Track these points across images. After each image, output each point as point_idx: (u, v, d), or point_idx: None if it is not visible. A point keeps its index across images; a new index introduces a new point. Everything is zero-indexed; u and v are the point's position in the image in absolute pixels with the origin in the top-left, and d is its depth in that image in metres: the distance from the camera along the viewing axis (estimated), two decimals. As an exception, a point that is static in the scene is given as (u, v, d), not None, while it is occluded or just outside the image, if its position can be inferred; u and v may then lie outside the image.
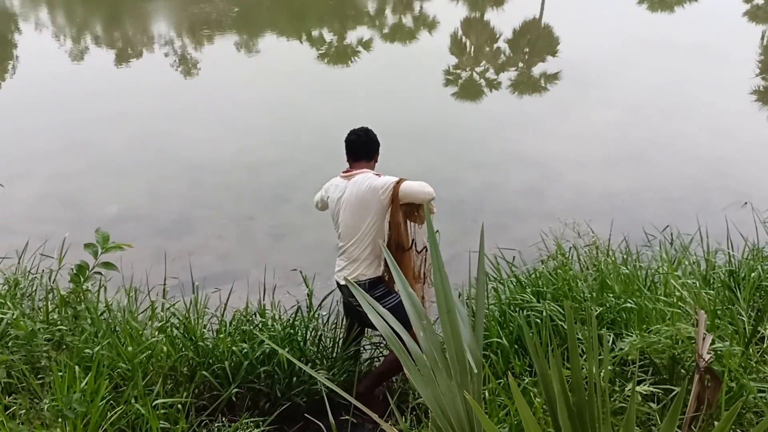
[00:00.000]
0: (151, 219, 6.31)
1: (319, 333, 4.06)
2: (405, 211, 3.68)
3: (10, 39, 13.00)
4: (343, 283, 3.70)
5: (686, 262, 4.49)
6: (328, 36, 14.03)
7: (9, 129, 8.54)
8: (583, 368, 3.17)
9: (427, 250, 3.80)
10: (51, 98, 9.66)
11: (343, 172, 3.78)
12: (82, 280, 2.69)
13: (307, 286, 4.26)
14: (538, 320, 3.64)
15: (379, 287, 3.70)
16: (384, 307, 3.47)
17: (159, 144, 8.21)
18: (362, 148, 3.77)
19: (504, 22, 14.66)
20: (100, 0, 15.94)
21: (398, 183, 3.55)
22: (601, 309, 3.74)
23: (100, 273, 2.79)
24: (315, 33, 14.19)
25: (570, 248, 4.74)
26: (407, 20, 15.41)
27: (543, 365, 1.80)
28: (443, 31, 14.22)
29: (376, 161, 3.84)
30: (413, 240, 3.77)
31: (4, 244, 4.85)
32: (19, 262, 4.38)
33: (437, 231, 4.28)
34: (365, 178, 3.62)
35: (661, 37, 13.70)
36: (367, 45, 13.48)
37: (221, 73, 11.40)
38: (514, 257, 4.89)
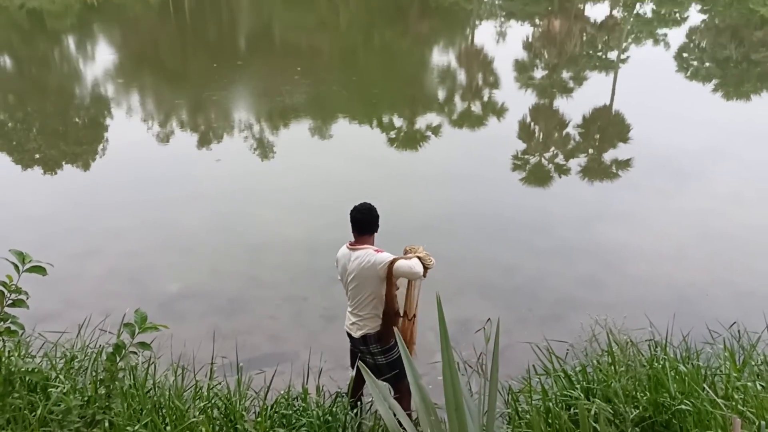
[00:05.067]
0: (209, 297, 6.49)
1: (359, 421, 4.00)
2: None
3: (102, 122, 14.07)
4: (356, 336, 4.36)
5: (753, 363, 4.20)
6: (398, 122, 14.43)
7: (90, 207, 9.09)
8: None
9: (416, 317, 4.42)
10: (134, 179, 10.25)
11: (350, 244, 4.37)
12: (117, 359, 2.78)
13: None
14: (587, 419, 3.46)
15: (383, 340, 4.31)
16: (386, 360, 4.27)
17: (227, 224, 8.53)
18: (367, 225, 4.36)
19: (573, 108, 14.65)
20: (188, 88, 17.12)
21: (393, 262, 4.15)
22: (654, 410, 3.53)
23: (135, 352, 2.88)
24: (386, 119, 14.62)
25: (626, 342, 4.54)
26: (476, 107, 15.69)
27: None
28: (511, 117, 14.34)
29: (376, 232, 4.43)
30: (405, 310, 4.35)
31: (68, 318, 5.09)
32: (78, 337, 4.57)
33: (489, 319, 4.23)
34: (367, 253, 4.23)
35: (737, 125, 13.35)
36: (436, 130, 13.75)
37: (295, 156, 11.84)
38: (567, 350, 4.74)
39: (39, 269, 2.56)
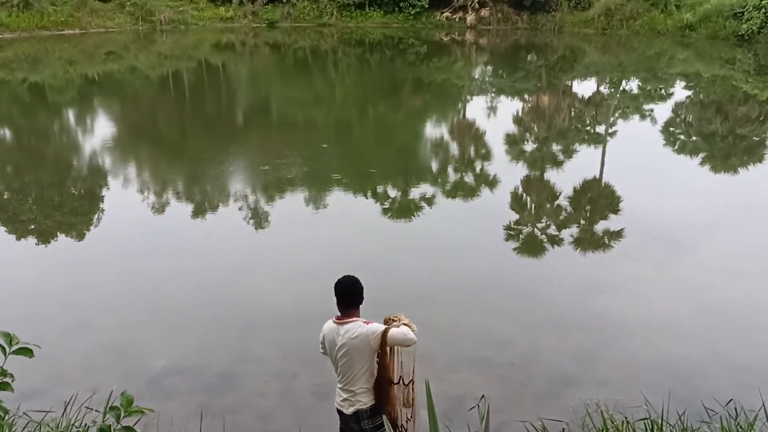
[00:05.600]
0: (198, 373, 6.37)
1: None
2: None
3: (98, 193, 14.17)
4: (348, 413, 4.34)
5: (751, 443, 4.14)
6: (393, 192, 14.58)
7: (82, 278, 9.04)
8: None
9: (413, 382, 4.38)
10: (127, 250, 10.22)
11: (336, 318, 4.34)
12: (101, 444, 2.72)
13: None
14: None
15: (377, 416, 4.25)
16: None
17: (218, 296, 8.48)
18: (352, 299, 4.31)
19: (564, 181, 14.87)
20: (184, 161, 17.34)
21: (386, 331, 4.14)
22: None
23: (120, 437, 2.81)
24: (380, 189, 14.78)
25: (622, 422, 4.46)
26: (469, 178, 15.90)
27: None
28: (503, 188, 14.53)
29: (361, 303, 4.39)
30: (400, 376, 4.32)
31: (55, 395, 4.99)
32: (63, 416, 4.47)
33: (482, 396, 4.20)
34: (356, 326, 4.22)
35: (727, 197, 13.55)
36: (429, 200, 13.89)
37: (288, 227, 11.90)
38: (563, 429, 4.65)
39: (26, 351, 2.53)
